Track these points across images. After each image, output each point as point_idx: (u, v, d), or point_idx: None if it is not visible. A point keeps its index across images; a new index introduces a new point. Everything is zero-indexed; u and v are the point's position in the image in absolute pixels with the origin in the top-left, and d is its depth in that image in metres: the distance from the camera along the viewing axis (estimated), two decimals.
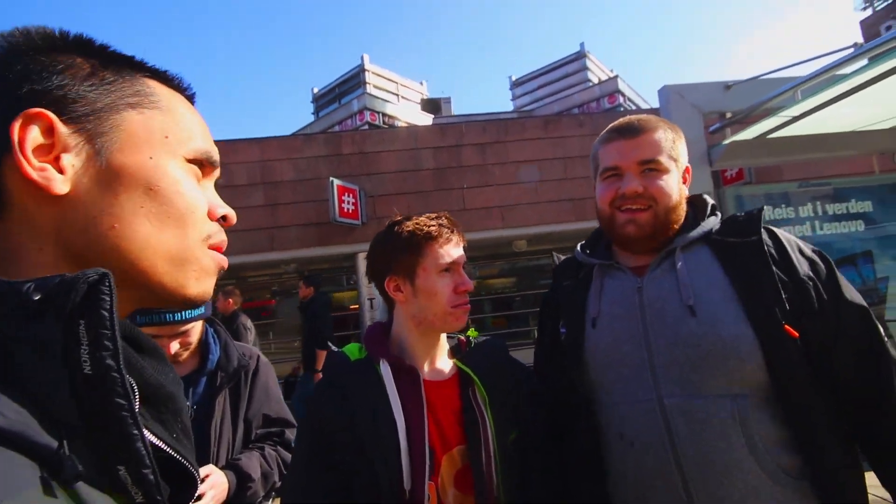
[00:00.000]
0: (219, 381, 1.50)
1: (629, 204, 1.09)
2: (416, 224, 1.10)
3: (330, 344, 1.18)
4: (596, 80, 40.17)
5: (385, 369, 1.04)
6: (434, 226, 1.09)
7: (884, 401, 0.96)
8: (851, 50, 2.22)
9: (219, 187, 0.56)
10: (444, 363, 1.14)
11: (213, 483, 1.30)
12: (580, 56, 43.02)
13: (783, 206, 2.64)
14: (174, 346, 1.40)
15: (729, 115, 2.86)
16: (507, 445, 1.02)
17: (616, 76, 36.69)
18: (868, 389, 0.98)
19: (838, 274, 1.05)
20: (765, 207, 2.65)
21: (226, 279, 9.20)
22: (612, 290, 1.14)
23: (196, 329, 1.47)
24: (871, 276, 2.54)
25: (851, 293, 1.03)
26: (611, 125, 1.19)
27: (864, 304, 1.02)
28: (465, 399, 1.05)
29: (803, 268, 1.03)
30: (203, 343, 1.54)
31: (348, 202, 7.37)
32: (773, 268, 1.00)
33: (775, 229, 1.10)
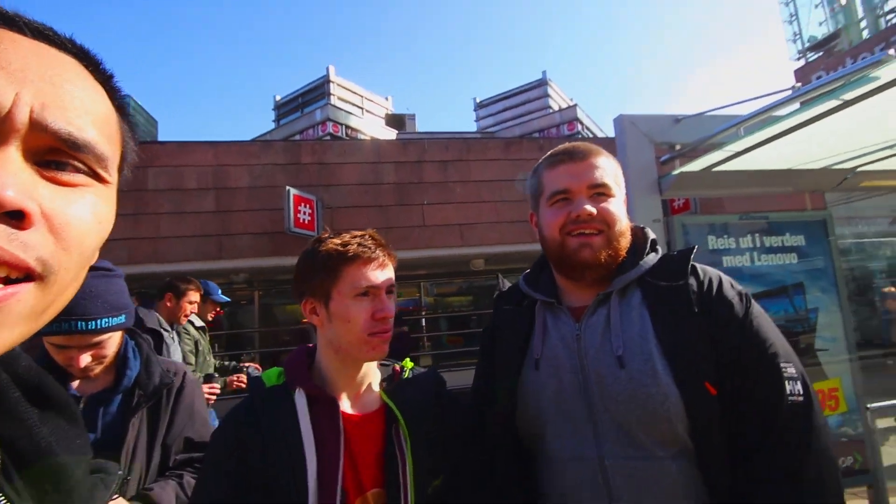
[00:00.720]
0: (135, 399, 1.34)
1: (582, 228, 1.04)
2: (335, 243, 1.01)
3: (250, 367, 1.08)
4: (556, 108, 41.63)
5: (300, 399, 0.94)
6: (353, 245, 1.00)
7: (775, 459, 0.88)
8: (789, 92, 2.37)
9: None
10: (371, 395, 1.05)
11: None
12: (542, 83, 44.53)
13: (725, 236, 2.75)
14: (85, 359, 1.25)
15: (678, 146, 2.98)
16: (429, 492, 0.93)
17: (575, 105, 38.14)
18: (764, 448, 0.89)
19: (756, 321, 0.98)
20: (708, 238, 2.80)
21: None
22: (554, 333, 1.09)
23: (113, 340, 1.32)
24: (802, 306, 2.68)
25: (768, 344, 0.95)
26: (554, 150, 1.14)
27: (778, 362, 0.94)
28: (389, 437, 0.96)
29: (723, 311, 0.98)
30: (120, 356, 1.38)
31: (304, 212, 7.18)
32: (697, 314, 0.97)
33: (700, 268, 1.06)
